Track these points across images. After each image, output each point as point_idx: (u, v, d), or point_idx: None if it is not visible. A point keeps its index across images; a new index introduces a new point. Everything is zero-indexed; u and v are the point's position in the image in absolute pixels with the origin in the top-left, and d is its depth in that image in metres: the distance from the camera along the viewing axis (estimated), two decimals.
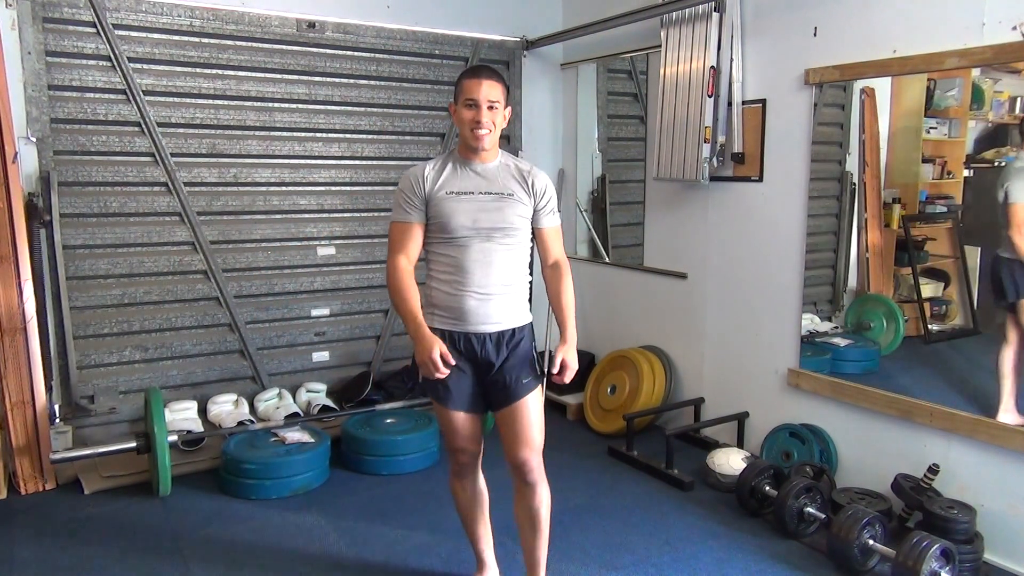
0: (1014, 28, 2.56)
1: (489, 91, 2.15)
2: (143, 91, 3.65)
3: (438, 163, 2.26)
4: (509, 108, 2.23)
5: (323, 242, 4.21)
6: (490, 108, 2.15)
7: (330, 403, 4.00)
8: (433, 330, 2.20)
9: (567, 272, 2.31)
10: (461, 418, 2.27)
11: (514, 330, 2.24)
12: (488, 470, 2.49)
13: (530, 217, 2.25)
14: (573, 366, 2.21)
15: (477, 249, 2.18)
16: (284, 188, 4.06)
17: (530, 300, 2.35)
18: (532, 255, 2.35)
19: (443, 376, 2.15)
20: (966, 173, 3.22)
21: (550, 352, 2.25)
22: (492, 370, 2.22)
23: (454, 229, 2.17)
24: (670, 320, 4.14)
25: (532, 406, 2.25)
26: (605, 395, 4.19)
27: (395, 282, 2.21)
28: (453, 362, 2.15)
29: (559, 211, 2.39)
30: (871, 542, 2.66)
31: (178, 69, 3.73)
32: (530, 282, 2.33)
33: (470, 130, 2.16)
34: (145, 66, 3.65)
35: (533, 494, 2.29)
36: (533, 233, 2.30)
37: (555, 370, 2.20)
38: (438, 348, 2.13)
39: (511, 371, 2.22)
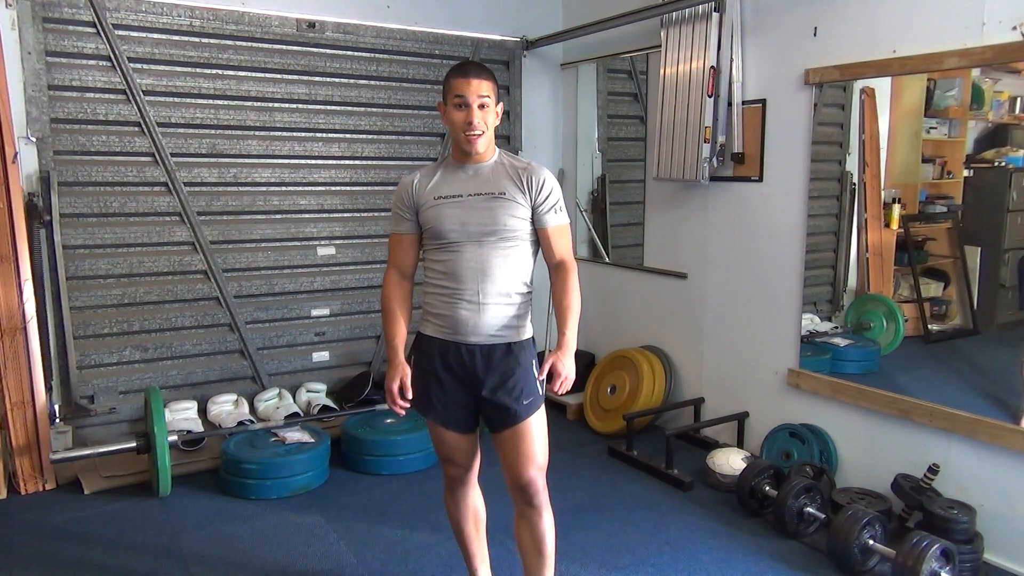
0: (1014, 28, 2.56)
1: (479, 88, 2.00)
2: (143, 91, 3.65)
3: (430, 170, 2.15)
4: (501, 104, 2.10)
5: (323, 242, 4.21)
6: (481, 107, 2.02)
7: (330, 403, 4.00)
8: (425, 337, 2.16)
9: (572, 273, 2.12)
10: (444, 432, 2.18)
11: (509, 345, 2.09)
12: (486, 468, 2.47)
13: (528, 218, 2.08)
14: (566, 375, 1.99)
15: (470, 255, 2.05)
16: (284, 188, 4.06)
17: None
18: (536, 263, 2.21)
19: (400, 411, 2.13)
20: (966, 173, 3.23)
21: (543, 357, 2.08)
22: (482, 387, 2.08)
23: (443, 234, 2.06)
24: (670, 320, 4.15)
25: (535, 425, 2.10)
26: (605, 395, 4.19)
27: (383, 299, 2.22)
28: (410, 396, 2.10)
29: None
30: (871, 542, 2.66)
31: (178, 69, 3.73)
32: (530, 292, 2.16)
33: (462, 133, 2.03)
34: (145, 66, 3.65)
35: (539, 519, 2.14)
36: (537, 236, 2.13)
37: (541, 376, 2.04)
38: (398, 380, 2.09)
39: (510, 391, 2.06)
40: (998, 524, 2.71)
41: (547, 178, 2.10)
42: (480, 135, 2.03)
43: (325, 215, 4.19)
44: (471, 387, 2.11)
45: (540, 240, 2.14)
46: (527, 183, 2.07)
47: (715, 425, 3.76)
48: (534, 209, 2.09)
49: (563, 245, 2.13)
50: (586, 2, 4.47)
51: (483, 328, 2.07)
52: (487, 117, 2.04)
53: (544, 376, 2.04)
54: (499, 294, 2.07)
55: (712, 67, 3.53)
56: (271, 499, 3.29)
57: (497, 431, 2.13)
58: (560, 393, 2.05)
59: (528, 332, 2.16)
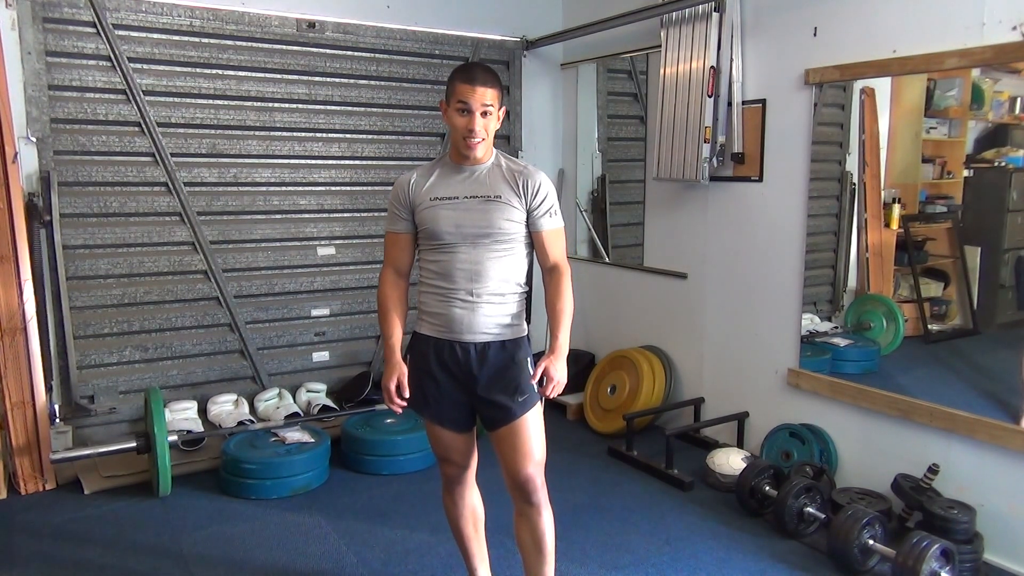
0: (1014, 28, 2.56)
1: (483, 97, 2.00)
2: (143, 91, 3.65)
3: (427, 169, 2.16)
4: (504, 108, 2.10)
5: (323, 242, 4.21)
6: (484, 115, 2.01)
7: (330, 403, 4.00)
8: (420, 336, 2.16)
9: (565, 277, 2.13)
10: (440, 430, 2.18)
11: (504, 343, 2.10)
12: (485, 468, 2.47)
13: (523, 221, 2.09)
14: (558, 379, 2.01)
15: (464, 256, 2.07)
16: (284, 188, 4.06)
17: (528, 311, 2.24)
18: (532, 263, 2.23)
19: (398, 410, 2.14)
20: (966, 173, 3.22)
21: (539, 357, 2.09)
22: (476, 385, 2.09)
23: (439, 235, 2.07)
24: (670, 320, 4.14)
25: (531, 422, 2.10)
26: (605, 395, 4.19)
27: (379, 298, 2.22)
28: (407, 395, 2.11)
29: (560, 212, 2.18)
30: (871, 542, 2.66)
31: (178, 69, 3.73)
32: (527, 292, 2.17)
33: (463, 138, 2.03)
34: (145, 66, 3.65)
35: (539, 516, 2.15)
36: (532, 238, 2.14)
37: (534, 380, 2.03)
38: (396, 379, 2.10)
39: (505, 389, 2.08)
40: (998, 524, 2.71)
41: (543, 182, 2.10)
42: (481, 141, 2.04)
43: (325, 215, 4.19)
44: (466, 385, 2.12)
45: (534, 243, 2.14)
46: (523, 187, 2.08)
47: (715, 425, 3.76)
48: (529, 213, 2.10)
49: (557, 249, 2.14)
50: (586, 2, 4.47)
51: (477, 326, 2.08)
52: (489, 124, 2.04)
53: (537, 378, 2.03)
54: (492, 293, 2.09)
55: (712, 67, 3.53)
56: (271, 499, 3.29)
57: (493, 429, 2.13)
58: (551, 397, 2.06)
59: (523, 330, 2.17)
